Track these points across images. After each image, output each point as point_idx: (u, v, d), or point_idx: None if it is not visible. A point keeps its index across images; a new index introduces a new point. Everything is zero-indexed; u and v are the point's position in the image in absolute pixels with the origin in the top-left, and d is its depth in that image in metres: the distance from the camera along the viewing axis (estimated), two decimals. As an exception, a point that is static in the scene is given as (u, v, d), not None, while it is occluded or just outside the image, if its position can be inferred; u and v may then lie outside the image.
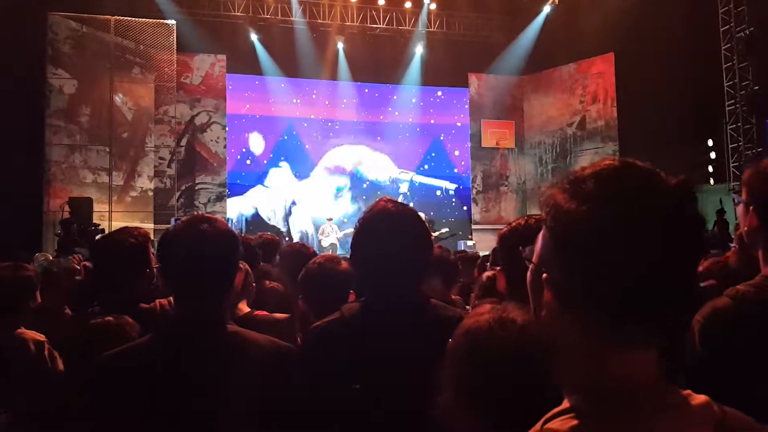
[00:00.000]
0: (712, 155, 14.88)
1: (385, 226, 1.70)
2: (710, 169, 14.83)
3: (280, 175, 16.17)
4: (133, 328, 2.01)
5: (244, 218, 15.57)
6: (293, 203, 16.13)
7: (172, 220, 13.32)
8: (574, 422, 0.79)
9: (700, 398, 0.82)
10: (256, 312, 2.71)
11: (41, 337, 2.53)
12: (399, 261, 1.66)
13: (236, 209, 15.68)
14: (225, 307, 1.65)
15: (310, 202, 16.21)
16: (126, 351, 1.60)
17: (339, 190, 16.55)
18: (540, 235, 0.88)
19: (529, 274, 0.90)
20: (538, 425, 0.82)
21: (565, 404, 0.83)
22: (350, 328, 1.66)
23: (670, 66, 13.62)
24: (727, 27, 13.69)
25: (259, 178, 16.03)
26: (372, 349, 1.57)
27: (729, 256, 2.51)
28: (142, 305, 2.44)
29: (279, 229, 15.71)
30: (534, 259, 0.88)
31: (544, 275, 0.84)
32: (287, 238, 13.90)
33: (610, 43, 16.01)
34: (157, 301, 2.53)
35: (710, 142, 14.79)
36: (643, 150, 14.68)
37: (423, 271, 1.78)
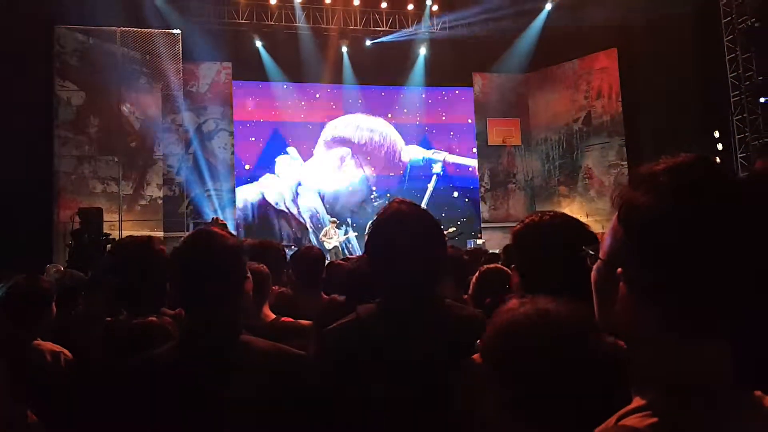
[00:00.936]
0: (719, 147, 14.78)
1: (399, 227, 1.71)
2: (717, 160, 14.72)
3: (287, 161, 16.26)
4: (174, 328, 2.06)
5: (251, 204, 15.69)
6: (299, 184, 16.17)
7: (191, 223, 13.48)
8: (653, 420, 0.77)
9: None
10: (283, 318, 2.72)
11: (58, 348, 2.56)
12: (415, 262, 1.66)
13: (243, 196, 15.80)
14: (236, 314, 1.68)
15: (315, 179, 16.28)
16: (146, 359, 1.65)
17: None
18: (608, 232, 0.88)
19: (594, 271, 0.90)
20: (611, 421, 0.81)
21: (638, 402, 0.82)
22: (367, 329, 1.67)
23: (674, 59, 13.58)
24: (729, 18, 13.66)
25: (267, 168, 16.14)
26: (390, 350, 1.58)
27: None
28: (166, 311, 2.51)
29: (287, 212, 15.85)
30: (602, 255, 0.88)
31: (619, 270, 0.84)
32: (292, 245, 13.93)
33: (613, 38, 15.99)
34: (164, 310, 2.60)
35: (717, 134, 14.69)
36: (650, 143, 14.70)
37: (438, 271, 1.78)
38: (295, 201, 16.14)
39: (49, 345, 2.56)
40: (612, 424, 0.80)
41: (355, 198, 16.38)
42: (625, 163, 16.15)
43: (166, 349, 1.65)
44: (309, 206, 16.16)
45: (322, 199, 15.97)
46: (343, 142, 16.69)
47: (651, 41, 14.24)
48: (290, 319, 2.73)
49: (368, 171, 16.68)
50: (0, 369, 1.40)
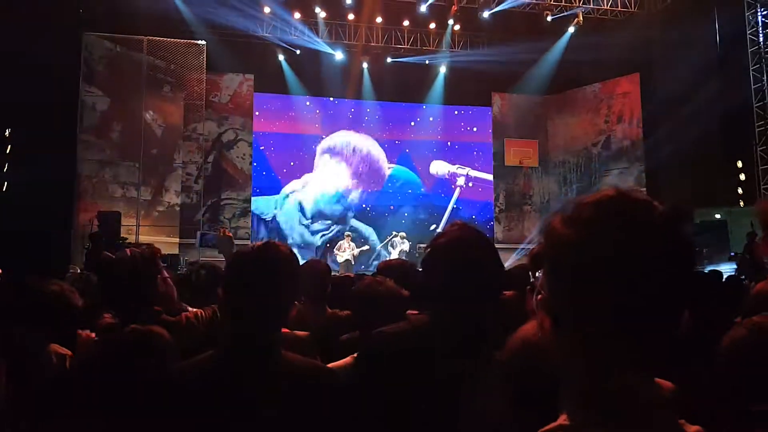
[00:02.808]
0: (742, 177, 14.57)
1: (459, 252, 1.71)
2: (740, 191, 14.52)
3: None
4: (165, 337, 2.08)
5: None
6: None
7: (198, 233, 13.55)
8: None
9: (693, 428, 0.83)
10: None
11: (67, 351, 2.59)
12: (470, 295, 1.67)
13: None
14: (281, 329, 1.71)
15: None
16: (190, 367, 1.67)
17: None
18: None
19: (534, 297, 0.93)
20: None
21: (561, 420, 0.83)
22: (419, 337, 1.70)
23: (698, 86, 13.44)
24: (756, 48, 13.55)
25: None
26: (438, 360, 1.61)
27: None
28: (166, 317, 2.53)
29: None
30: (538, 284, 0.90)
31: (539, 296, 0.87)
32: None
33: (636, 63, 15.92)
34: (183, 314, 2.62)
35: (740, 164, 14.49)
36: (670, 171, 14.55)
37: (491, 299, 1.78)
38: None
39: (56, 347, 2.58)
40: None
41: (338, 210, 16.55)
42: (645, 189, 15.98)
43: (208, 358, 1.66)
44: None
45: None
46: (333, 153, 16.81)
47: (674, 68, 14.13)
48: (287, 330, 2.75)
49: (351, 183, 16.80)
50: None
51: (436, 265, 1.75)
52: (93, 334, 2.37)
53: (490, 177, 17.66)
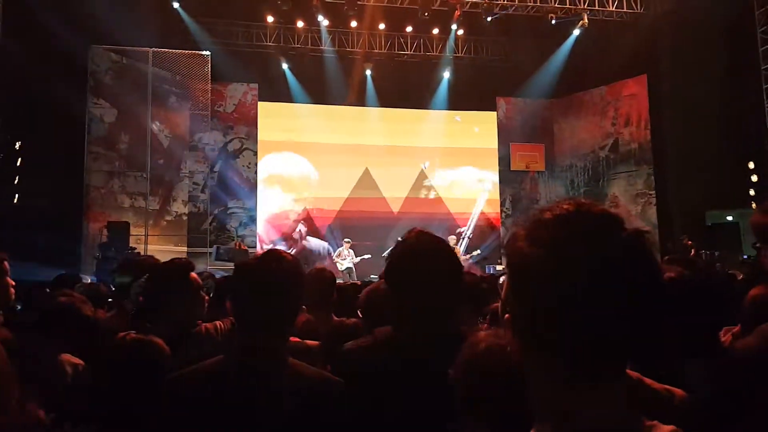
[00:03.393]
0: (754, 178, 14.41)
1: (417, 258, 1.75)
2: (752, 192, 14.37)
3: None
4: (160, 348, 2.08)
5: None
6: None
7: (214, 247, 13.70)
8: None
9: (666, 428, 0.82)
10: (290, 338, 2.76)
11: (78, 361, 2.61)
12: (431, 292, 1.70)
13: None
14: (287, 338, 1.73)
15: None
16: (193, 373, 1.68)
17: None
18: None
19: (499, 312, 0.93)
20: None
21: None
22: (382, 351, 1.72)
23: (707, 87, 13.29)
24: (766, 47, 13.42)
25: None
26: (404, 373, 1.62)
27: None
28: (186, 327, 2.55)
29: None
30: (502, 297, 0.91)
31: (506, 315, 0.89)
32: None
33: (643, 65, 15.79)
34: (203, 324, 2.65)
35: (751, 165, 14.32)
36: (679, 173, 14.44)
37: (453, 300, 1.81)
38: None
39: (68, 357, 2.60)
40: None
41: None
42: (653, 192, 15.91)
43: (212, 363, 1.68)
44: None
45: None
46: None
47: (682, 69, 14.02)
48: (297, 339, 2.75)
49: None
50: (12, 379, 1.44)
51: (395, 270, 1.78)
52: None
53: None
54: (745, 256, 11.80)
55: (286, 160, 16.43)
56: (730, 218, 13.97)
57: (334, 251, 15.10)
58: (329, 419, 1.61)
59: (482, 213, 17.49)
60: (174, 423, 1.61)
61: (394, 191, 16.85)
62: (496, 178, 17.69)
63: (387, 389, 1.61)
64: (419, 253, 1.75)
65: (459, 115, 17.52)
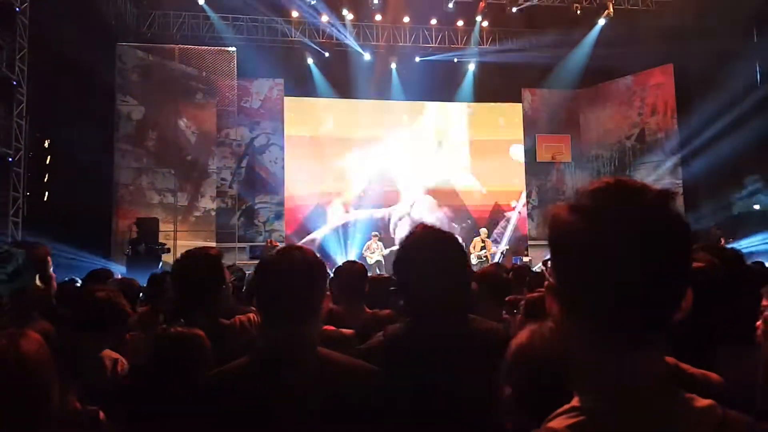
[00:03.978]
0: (782, 168, 14.19)
1: (424, 252, 1.78)
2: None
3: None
4: (204, 341, 2.14)
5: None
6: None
7: (248, 247, 13.93)
8: (573, 420, 0.83)
9: (704, 401, 0.85)
10: (325, 327, 2.78)
11: (116, 355, 2.67)
12: (439, 286, 1.74)
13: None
14: (315, 329, 1.75)
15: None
16: (228, 372, 1.71)
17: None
18: None
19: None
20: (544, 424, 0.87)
21: (573, 403, 0.86)
22: (392, 349, 1.77)
23: (732, 75, 13.12)
24: (793, 34, 13.14)
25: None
26: (414, 369, 1.66)
27: None
28: (222, 321, 2.60)
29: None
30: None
31: (547, 283, 0.91)
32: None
33: (669, 54, 15.60)
34: (237, 317, 2.68)
35: (779, 154, 14.09)
36: (706, 161, 14.22)
37: (462, 293, 1.85)
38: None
39: (108, 352, 2.64)
40: (543, 427, 0.86)
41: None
42: (680, 181, 15.67)
43: (245, 361, 1.71)
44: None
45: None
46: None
47: (708, 58, 13.80)
48: (332, 328, 2.77)
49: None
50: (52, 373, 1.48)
51: (403, 266, 1.82)
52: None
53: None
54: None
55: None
56: (757, 207, 13.78)
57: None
58: (365, 408, 1.62)
59: (506, 205, 17.40)
60: (211, 418, 1.65)
61: (415, 184, 16.84)
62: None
63: (395, 386, 1.65)
64: (424, 246, 1.79)
65: (484, 107, 17.42)
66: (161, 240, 12.08)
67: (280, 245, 13.65)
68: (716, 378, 1.63)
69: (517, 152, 17.45)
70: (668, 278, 0.81)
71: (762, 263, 6.02)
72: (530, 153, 17.62)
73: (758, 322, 2.02)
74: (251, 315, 2.72)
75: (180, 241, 12.91)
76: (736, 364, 1.72)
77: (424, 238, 1.82)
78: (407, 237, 1.85)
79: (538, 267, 11.22)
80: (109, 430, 1.54)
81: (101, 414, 1.53)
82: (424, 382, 1.62)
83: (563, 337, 0.88)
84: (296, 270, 1.69)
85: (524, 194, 17.41)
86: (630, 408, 0.81)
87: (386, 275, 6.57)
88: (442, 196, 16.98)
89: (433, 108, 17.21)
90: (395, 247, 14.42)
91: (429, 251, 1.78)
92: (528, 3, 15.05)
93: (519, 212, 17.22)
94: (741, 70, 13.25)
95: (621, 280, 0.79)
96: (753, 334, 1.91)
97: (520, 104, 17.72)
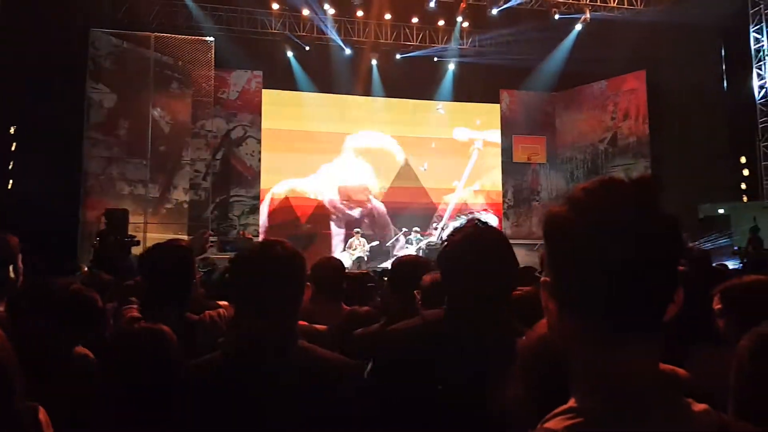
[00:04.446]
0: (745, 172, 14.67)
1: (475, 247, 1.76)
2: (743, 186, 14.61)
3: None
4: (170, 337, 2.06)
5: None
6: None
7: (218, 239, 13.77)
8: (571, 421, 0.81)
9: (701, 406, 0.84)
10: (298, 322, 2.73)
11: (87, 352, 2.57)
12: (485, 282, 1.72)
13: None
14: (294, 323, 1.72)
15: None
16: (205, 364, 1.68)
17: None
18: None
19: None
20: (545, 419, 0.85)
21: (569, 404, 0.85)
22: (432, 332, 1.75)
23: (702, 83, 13.50)
24: (759, 45, 13.53)
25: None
26: (451, 355, 1.64)
27: None
28: (191, 316, 2.54)
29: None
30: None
31: (542, 279, 0.89)
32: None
33: (642, 61, 15.96)
34: (207, 312, 2.62)
35: (743, 159, 14.57)
36: (676, 166, 14.56)
37: (507, 290, 1.84)
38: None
39: (81, 349, 2.56)
40: (539, 427, 0.85)
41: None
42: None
43: (220, 355, 1.68)
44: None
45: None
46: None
47: (680, 65, 14.17)
48: (305, 323, 2.73)
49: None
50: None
51: (454, 261, 1.79)
52: None
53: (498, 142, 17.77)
54: (736, 248, 12.02)
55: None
56: (721, 211, 14.17)
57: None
58: (347, 401, 1.61)
59: (494, 204, 17.58)
60: (188, 414, 1.61)
61: (385, 181, 16.92)
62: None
63: (429, 369, 1.64)
64: (475, 241, 1.77)
65: (463, 107, 17.53)
66: (131, 232, 11.83)
67: (255, 239, 13.56)
68: (684, 374, 1.65)
69: (460, 134, 17.59)
70: (660, 268, 0.81)
71: (725, 265, 6.18)
72: (507, 153, 17.79)
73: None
74: (221, 310, 2.67)
75: (150, 233, 12.67)
76: (707, 363, 1.79)
77: (476, 233, 1.79)
78: (459, 229, 1.83)
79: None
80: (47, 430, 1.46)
81: (42, 411, 1.45)
82: (452, 375, 1.61)
83: (558, 335, 0.87)
84: (278, 263, 1.67)
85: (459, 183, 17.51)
86: (629, 411, 0.80)
87: (365, 271, 6.52)
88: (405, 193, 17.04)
89: (412, 106, 17.23)
90: (375, 243, 14.66)
91: (479, 247, 1.76)
92: (507, 6, 15.16)
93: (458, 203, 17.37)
94: (709, 78, 13.59)
95: (614, 270, 0.79)
96: (716, 334, 1.95)
97: (498, 105, 17.87)
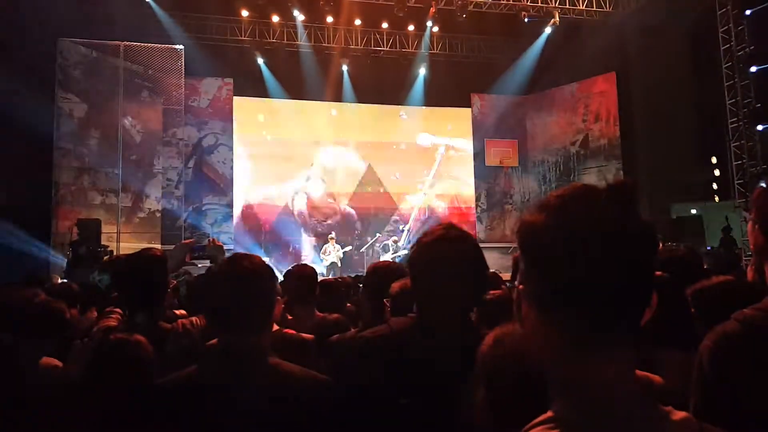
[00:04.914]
0: (717, 173, 14.89)
1: (443, 251, 1.71)
2: (715, 186, 14.84)
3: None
4: (146, 347, 2.07)
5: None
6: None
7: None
8: (550, 431, 0.81)
9: (680, 414, 0.84)
10: (285, 330, 2.71)
11: (57, 362, 2.56)
12: (454, 287, 1.68)
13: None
14: (264, 338, 1.72)
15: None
16: (176, 381, 1.68)
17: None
18: None
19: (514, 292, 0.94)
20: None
21: (548, 414, 0.84)
22: (400, 340, 1.70)
23: (672, 85, 13.67)
24: (728, 46, 13.81)
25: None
26: (420, 362, 1.62)
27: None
28: (163, 324, 2.54)
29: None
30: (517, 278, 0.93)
31: (520, 286, 0.89)
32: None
33: (612, 63, 16.13)
34: (180, 321, 2.63)
35: (714, 160, 14.79)
36: (647, 168, 14.79)
37: (475, 299, 1.79)
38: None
39: (49, 360, 2.53)
40: None
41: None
42: (622, 186, 16.16)
43: (194, 371, 1.68)
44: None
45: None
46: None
47: (650, 67, 14.37)
48: (293, 332, 2.74)
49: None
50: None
51: (421, 265, 1.75)
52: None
53: (466, 145, 17.85)
54: (709, 248, 12.14)
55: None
56: (694, 211, 14.37)
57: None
58: (316, 420, 1.61)
59: (457, 208, 17.64)
60: (159, 428, 1.62)
61: (346, 186, 16.96)
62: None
63: (397, 377, 1.62)
64: (445, 244, 1.73)
65: (434, 112, 17.61)
66: (104, 242, 11.69)
67: (223, 245, 13.43)
68: (658, 380, 1.64)
69: (424, 139, 17.69)
70: (637, 274, 0.82)
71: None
72: (479, 157, 17.91)
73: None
74: (194, 318, 2.68)
75: (123, 242, 12.55)
76: (678, 368, 1.73)
77: (444, 236, 1.74)
78: (428, 233, 1.78)
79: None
80: None
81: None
82: (417, 385, 1.58)
83: (535, 343, 0.87)
84: (244, 280, 1.68)
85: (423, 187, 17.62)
86: (608, 420, 0.80)
87: (346, 278, 6.51)
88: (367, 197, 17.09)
89: (383, 111, 17.28)
90: (348, 248, 14.64)
91: (447, 251, 1.71)
92: (477, 10, 15.25)
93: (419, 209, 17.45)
94: (679, 80, 13.81)
95: (590, 276, 0.79)
96: (696, 339, 1.94)
97: (470, 109, 17.99)
